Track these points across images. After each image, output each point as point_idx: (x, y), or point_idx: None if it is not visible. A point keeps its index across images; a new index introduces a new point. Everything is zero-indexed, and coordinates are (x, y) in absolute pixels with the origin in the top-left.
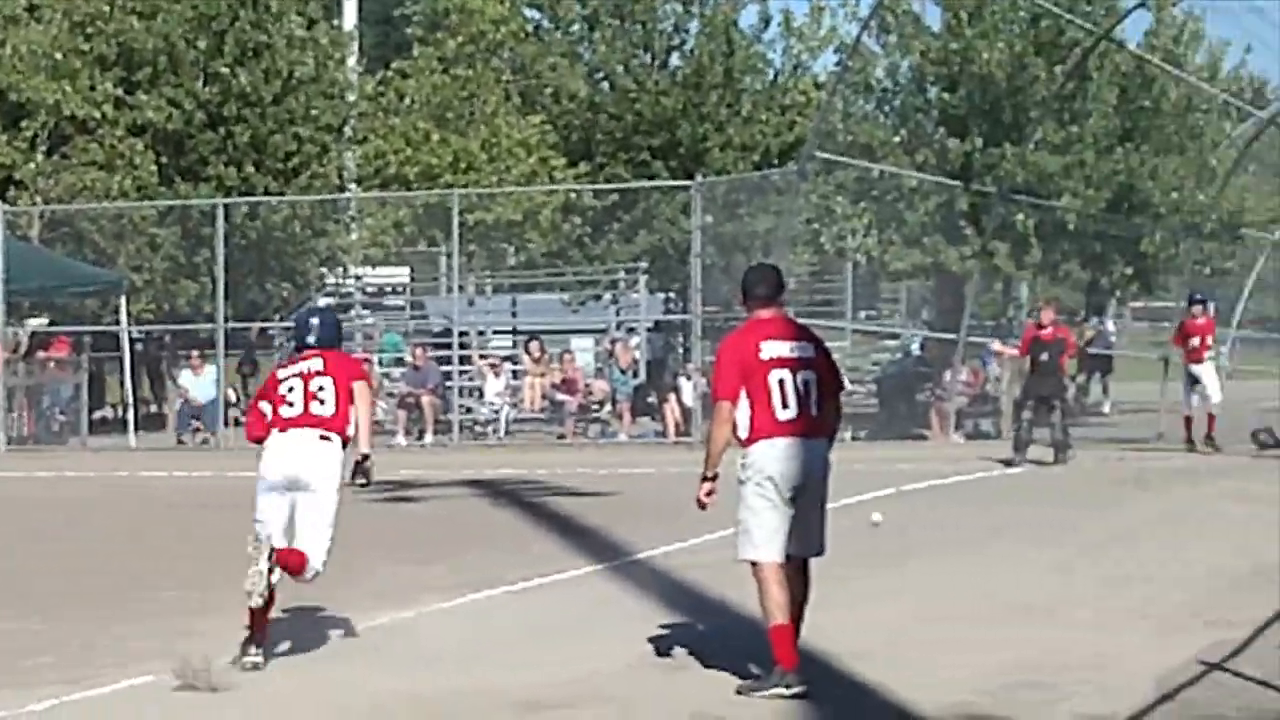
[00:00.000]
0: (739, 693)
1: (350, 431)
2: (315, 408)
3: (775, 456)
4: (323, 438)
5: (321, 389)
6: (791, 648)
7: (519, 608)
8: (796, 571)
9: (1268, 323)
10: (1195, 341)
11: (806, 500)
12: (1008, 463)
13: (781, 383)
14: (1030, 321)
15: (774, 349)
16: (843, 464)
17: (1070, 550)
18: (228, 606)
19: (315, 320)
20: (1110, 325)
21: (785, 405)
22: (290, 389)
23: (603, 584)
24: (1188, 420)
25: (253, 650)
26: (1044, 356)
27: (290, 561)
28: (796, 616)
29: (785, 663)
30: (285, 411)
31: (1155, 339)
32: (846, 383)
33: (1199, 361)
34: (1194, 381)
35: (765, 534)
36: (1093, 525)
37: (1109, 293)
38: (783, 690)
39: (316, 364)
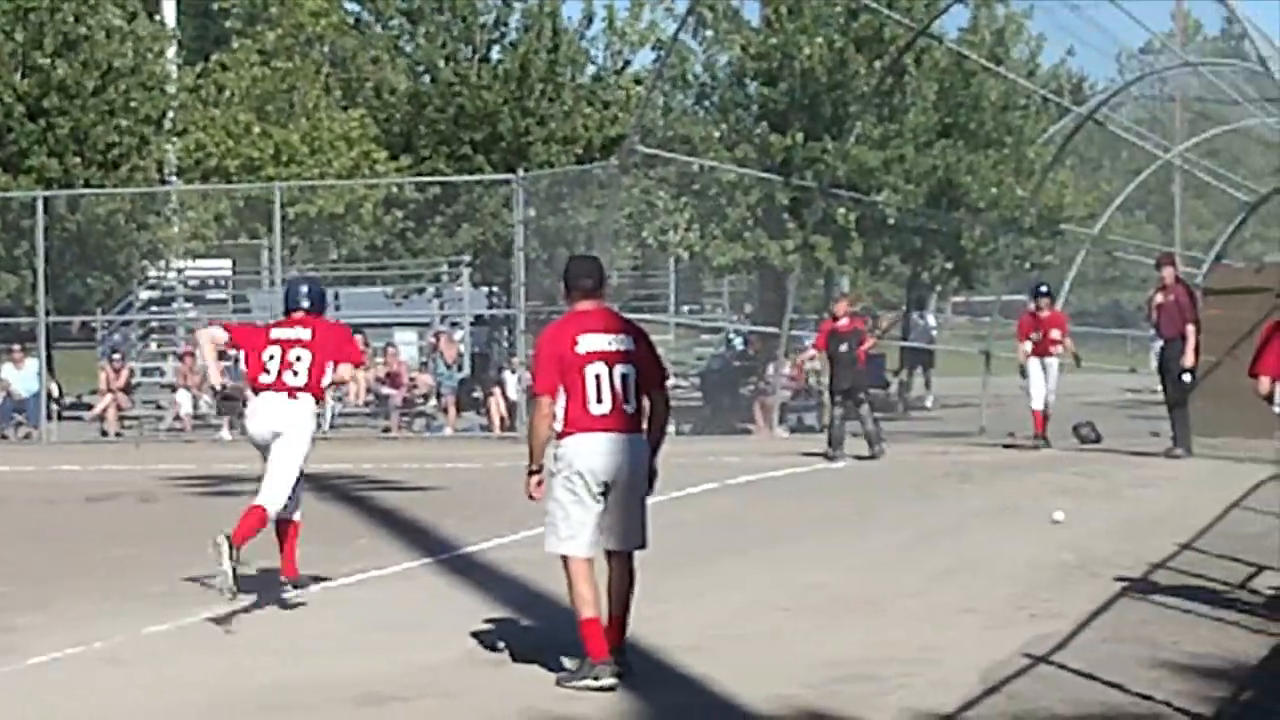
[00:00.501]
0: (558, 684)
1: (324, 385)
2: (288, 377)
3: (585, 451)
4: (292, 396)
5: (298, 359)
6: (601, 640)
7: (349, 602)
8: (619, 565)
9: (1088, 317)
10: (1037, 335)
11: (621, 495)
12: (828, 457)
13: (598, 377)
14: (826, 316)
15: (591, 342)
16: (667, 458)
17: (895, 544)
18: (53, 602)
19: (304, 288)
20: (931, 319)
21: (599, 400)
22: (270, 357)
23: (431, 578)
24: (1036, 414)
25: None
26: (843, 348)
27: (248, 531)
28: (622, 610)
29: (594, 654)
30: (262, 378)
31: (976, 333)
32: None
33: (1046, 355)
34: (1024, 374)
35: (570, 528)
36: (917, 519)
37: (929, 287)
38: (591, 681)
39: (304, 334)
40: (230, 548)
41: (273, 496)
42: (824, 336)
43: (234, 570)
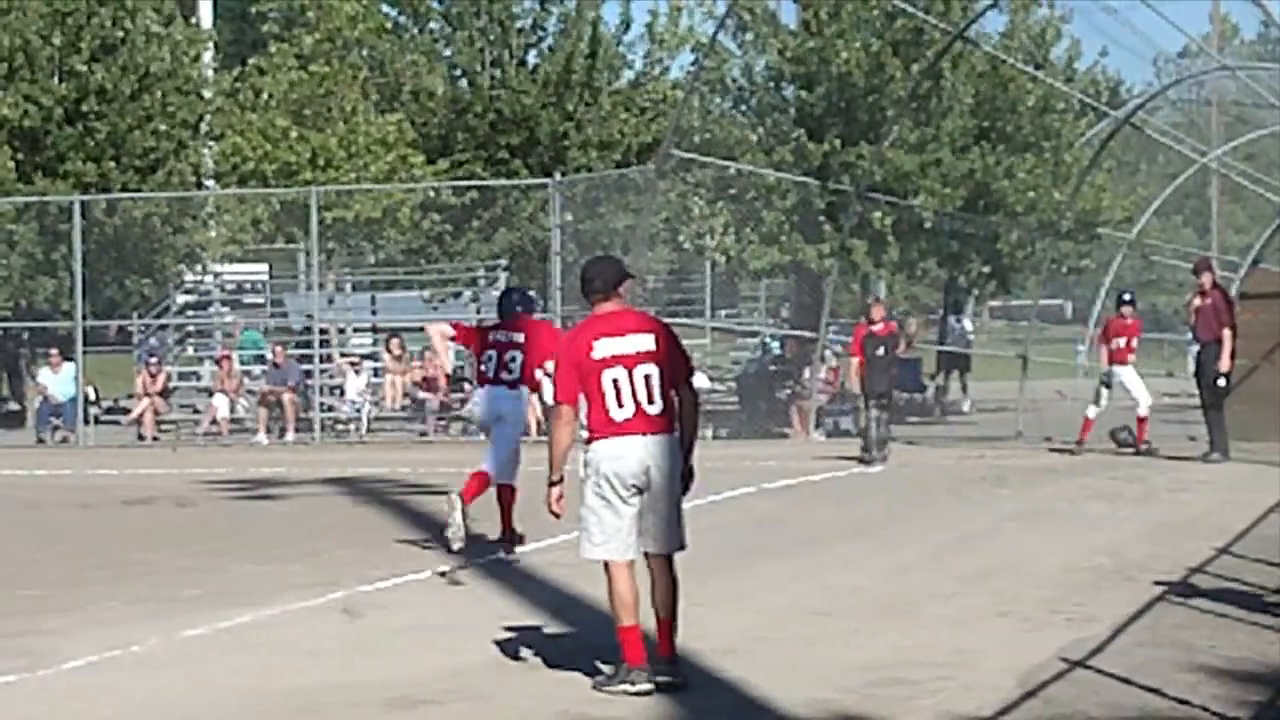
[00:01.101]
0: (594, 688)
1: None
2: (504, 374)
3: (610, 455)
4: (510, 388)
5: (513, 359)
6: (639, 646)
7: (382, 605)
8: (660, 569)
9: None
10: (1120, 342)
11: (653, 496)
12: (864, 461)
13: (615, 382)
14: (862, 320)
15: (607, 347)
16: (704, 462)
17: (931, 547)
18: (88, 605)
19: (515, 296)
20: (967, 324)
21: (620, 404)
22: (489, 357)
23: (467, 582)
24: (1087, 422)
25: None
26: (879, 352)
27: (475, 490)
28: (668, 614)
29: (632, 660)
30: (484, 372)
31: (1013, 336)
32: (704, 384)
33: (1123, 363)
34: (1106, 384)
35: (603, 533)
36: (953, 523)
37: (966, 291)
38: (628, 687)
39: (518, 337)
40: (461, 504)
41: (497, 465)
42: (859, 342)
43: (464, 522)
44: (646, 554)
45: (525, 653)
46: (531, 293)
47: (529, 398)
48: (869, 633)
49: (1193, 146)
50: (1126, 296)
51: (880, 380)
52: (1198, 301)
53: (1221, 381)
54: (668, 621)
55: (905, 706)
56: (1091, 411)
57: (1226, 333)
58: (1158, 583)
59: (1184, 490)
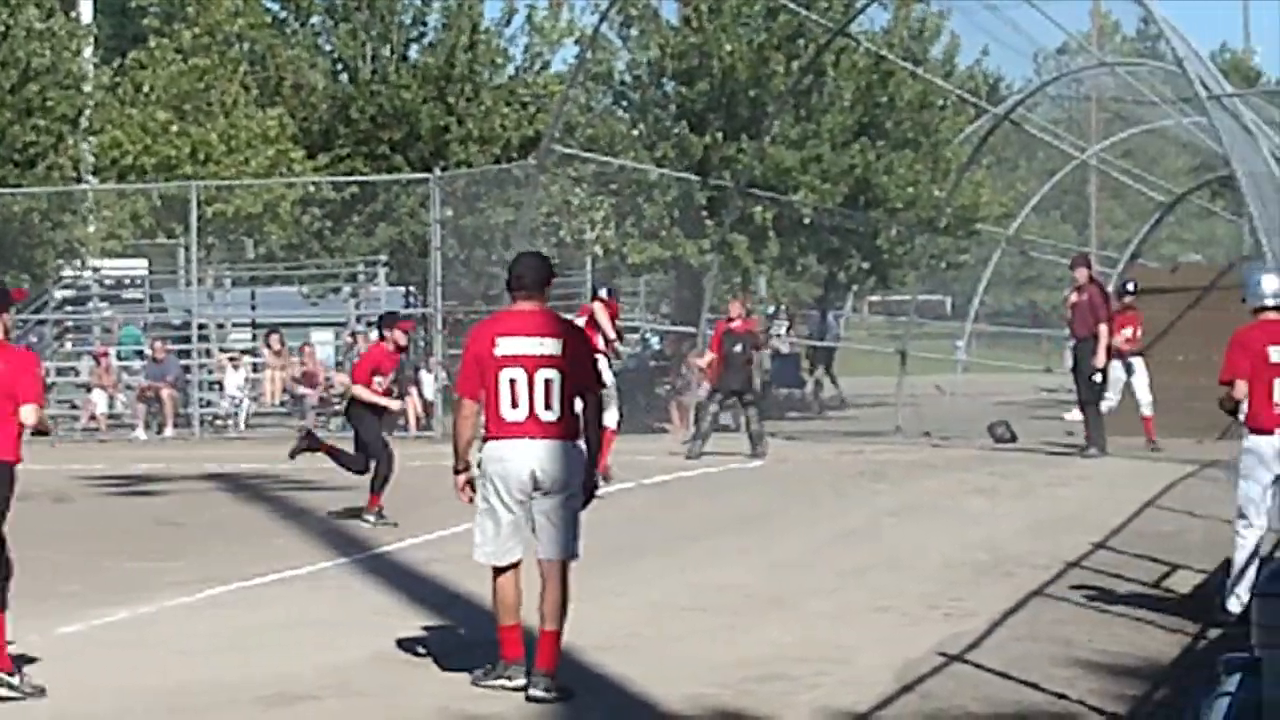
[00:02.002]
0: (472, 683)
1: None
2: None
3: (497, 458)
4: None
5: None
6: (516, 643)
7: (262, 602)
8: (551, 576)
9: (1003, 317)
10: (1129, 332)
11: (545, 503)
12: (690, 456)
13: (513, 382)
14: (721, 318)
15: (510, 346)
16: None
17: (810, 543)
18: None
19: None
20: (833, 319)
21: (515, 405)
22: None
23: (346, 578)
24: (1144, 421)
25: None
26: (736, 349)
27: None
28: (554, 625)
29: (508, 656)
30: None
31: (892, 332)
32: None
33: (1138, 353)
34: (1129, 371)
35: (487, 535)
36: (831, 518)
37: (846, 286)
38: (505, 681)
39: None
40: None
41: (610, 417)
42: (718, 338)
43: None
44: (539, 560)
45: (405, 649)
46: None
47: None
48: (747, 628)
49: (1072, 143)
50: (1130, 287)
51: (735, 378)
52: (1074, 297)
53: (1098, 377)
54: (551, 634)
55: (783, 702)
56: (1145, 410)
57: (1102, 328)
58: (1036, 578)
59: (1062, 485)
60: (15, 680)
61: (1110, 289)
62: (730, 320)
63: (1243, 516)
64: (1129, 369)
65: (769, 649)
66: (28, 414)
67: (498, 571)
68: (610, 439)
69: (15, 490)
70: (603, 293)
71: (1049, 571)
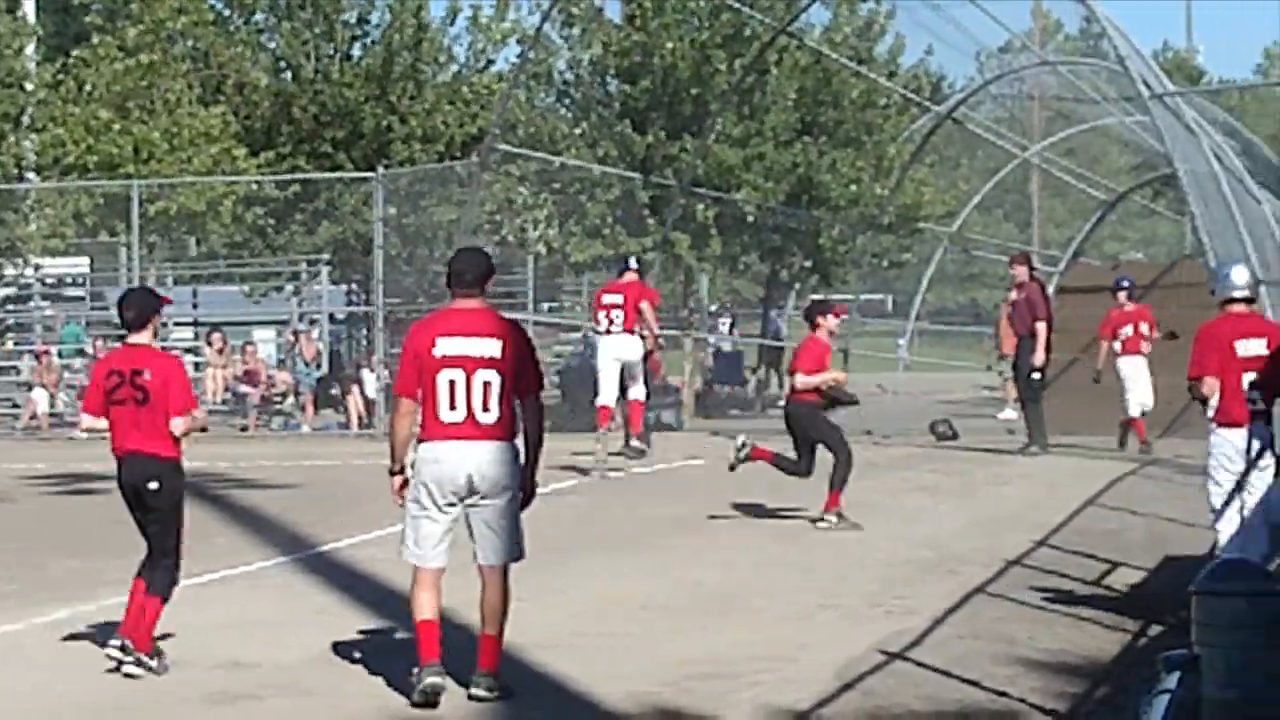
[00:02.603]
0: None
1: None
2: (620, 324)
3: (430, 459)
4: (628, 333)
5: (618, 311)
6: (430, 644)
7: (204, 600)
8: (490, 580)
9: (946, 315)
10: (1128, 331)
11: (484, 509)
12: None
13: (452, 383)
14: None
15: (449, 346)
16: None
17: (752, 541)
18: None
19: (631, 262)
20: (782, 319)
21: (452, 407)
22: (604, 314)
23: (288, 576)
24: (1133, 422)
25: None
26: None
27: (639, 417)
28: (494, 629)
29: (422, 657)
30: (600, 326)
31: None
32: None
33: (1137, 352)
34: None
35: (414, 537)
36: (774, 516)
37: (788, 285)
38: (417, 684)
39: (618, 299)
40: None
41: (637, 389)
42: None
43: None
44: (479, 564)
45: (348, 647)
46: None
47: (639, 341)
48: (690, 626)
49: (1014, 141)
50: (1125, 284)
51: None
52: (1013, 295)
53: (1037, 375)
54: (492, 637)
55: (724, 700)
56: (1133, 410)
57: (1040, 326)
58: (978, 576)
59: (1004, 484)
60: (153, 663)
61: (1062, 286)
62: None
63: (1217, 512)
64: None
65: (711, 647)
66: (176, 425)
67: (417, 575)
68: (639, 409)
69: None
70: (632, 261)
71: (990, 569)
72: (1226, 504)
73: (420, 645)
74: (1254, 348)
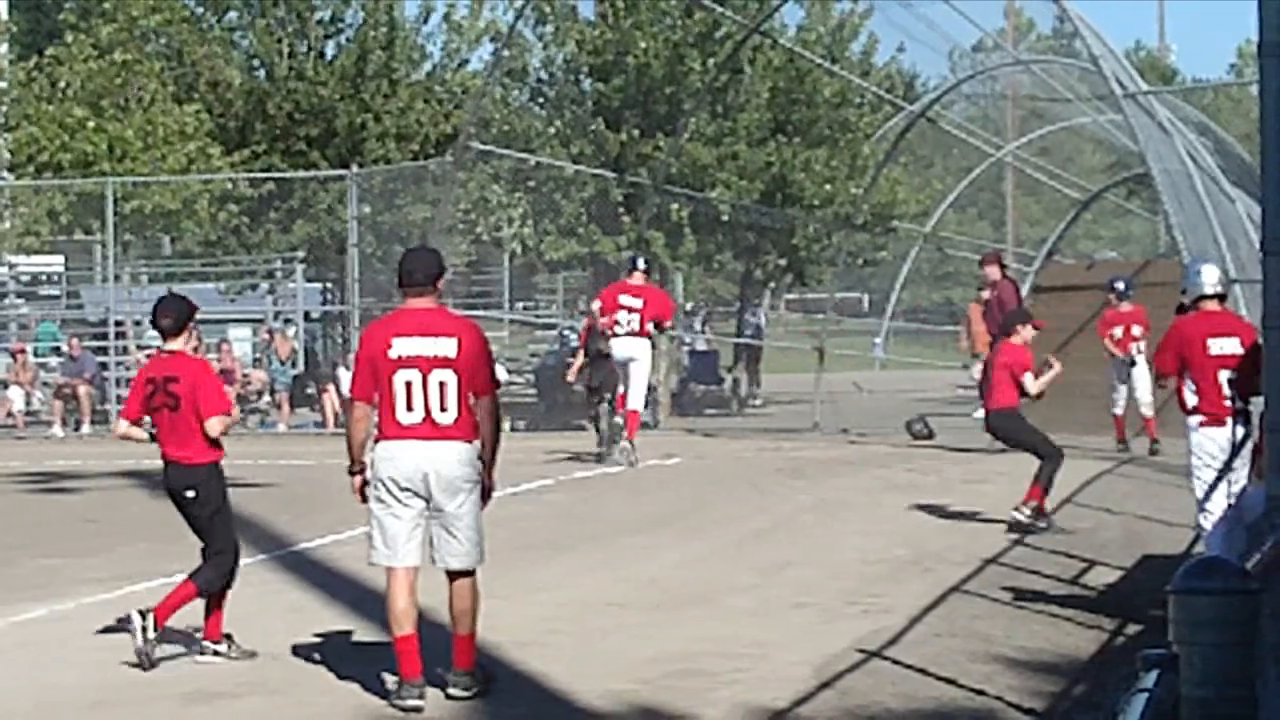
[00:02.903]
0: (388, 703)
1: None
2: (633, 325)
3: (386, 457)
4: (638, 336)
5: (632, 312)
6: (410, 659)
7: None
8: (454, 582)
9: (921, 313)
10: (1118, 332)
11: (438, 507)
12: (601, 459)
13: (409, 384)
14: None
15: (405, 346)
16: (502, 454)
17: (728, 539)
18: None
19: (640, 261)
20: (762, 317)
21: (410, 408)
22: (617, 312)
23: (264, 574)
24: (1117, 419)
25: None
26: (601, 345)
27: (635, 424)
28: (465, 630)
29: (403, 673)
30: (617, 328)
31: (810, 329)
32: (503, 375)
33: (1124, 353)
34: (1128, 369)
35: (380, 538)
36: (750, 515)
37: (763, 283)
38: (399, 702)
39: (636, 302)
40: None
41: (636, 398)
42: (586, 334)
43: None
44: (444, 569)
45: (323, 646)
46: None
47: (650, 343)
48: (666, 624)
49: (987, 140)
50: (1120, 285)
51: (596, 375)
52: (985, 294)
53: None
54: (464, 637)
55: (702, 698)
56: (1117, 409)
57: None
58: (954, 574)
59: (980, 481)
60: (224, 647)
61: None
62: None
63: (1204, 510)
64: (1132, 366)
65: (689, 645)
66: (213, 426)
67: (390, 577)
68: (635, 418)
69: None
70: (640, 261)
71: (967, 568)
72: (1209, 494)
73: (400, 662)
74: (1227, 346)
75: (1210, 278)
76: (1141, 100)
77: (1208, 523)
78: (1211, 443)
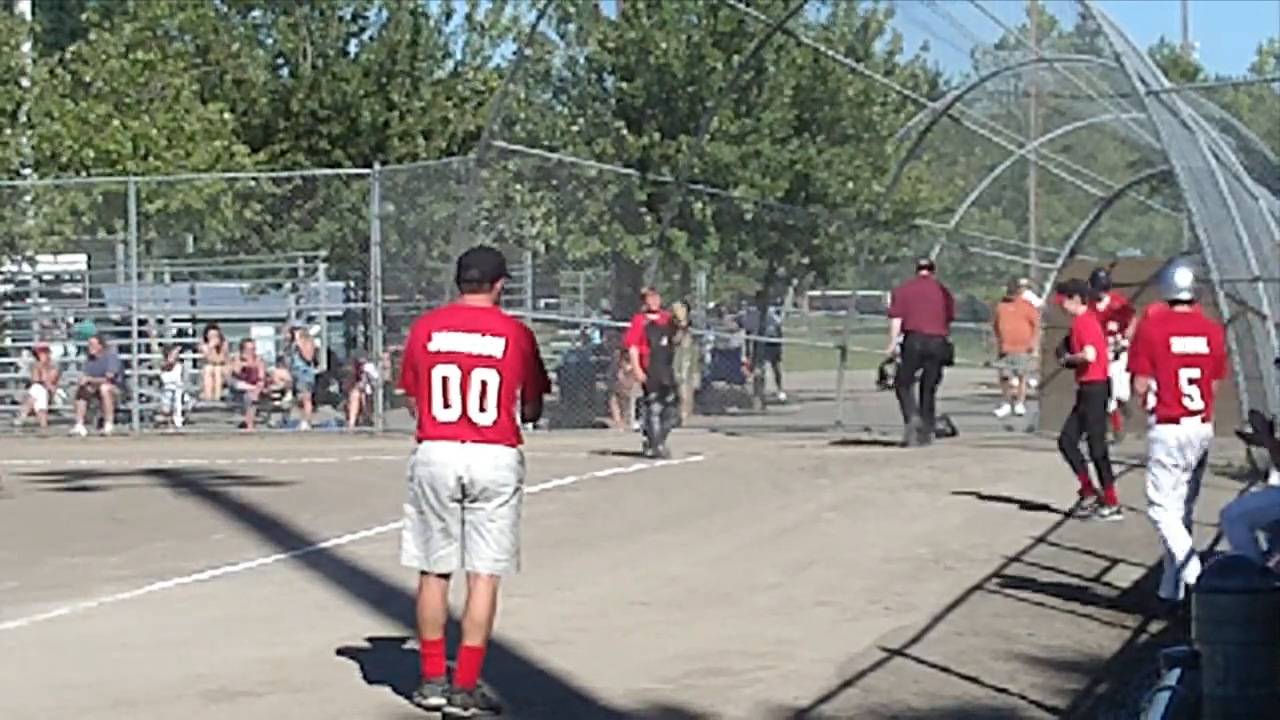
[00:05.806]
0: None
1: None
2: None
3: (424, 460)
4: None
5: None
6: (435, 659)
7: (202, 597)
8: (476, 588)
9: None
10: (1112, 327)
11: (475, 512)
12: (650, 456)
13: (445, 380)
14: (642, 310)
15: (445, 341)
16: (526, 453)
17: (751, 537)
18: None
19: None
20: (777, 315)
21: (446, 405)
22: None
23: (287, 573)
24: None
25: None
26: (662, 342)
27: None
28: (476, 640)
29: (427, 671)
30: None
31: (832, 327)
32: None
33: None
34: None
35: (411, 540)
36: (773, 513)
37: (786, 281)
38: (419, 699)
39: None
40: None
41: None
42: (639, 331)
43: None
44: (466, 570)
45: (347, 645)
46: None
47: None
48: (689, 622)
49: (1010, 138)
50: (1101, 276)
51: (664, 372)
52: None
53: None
54: (471, 650)
55: (724, 696)
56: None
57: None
58: (977, 572)
59: (1002, 479)
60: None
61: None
62: (651, 313)
63: (1154, 504)
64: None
65: (711, 643)
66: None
67: (421, 581)
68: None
69: None
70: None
71: (989, 566)
72: (1160, 490)
73: (425, 661)
74: (1191, 345)
75: (1184, 281)
76: (1164, 98)
77: (1160, 517)
78: (1164, 442)
